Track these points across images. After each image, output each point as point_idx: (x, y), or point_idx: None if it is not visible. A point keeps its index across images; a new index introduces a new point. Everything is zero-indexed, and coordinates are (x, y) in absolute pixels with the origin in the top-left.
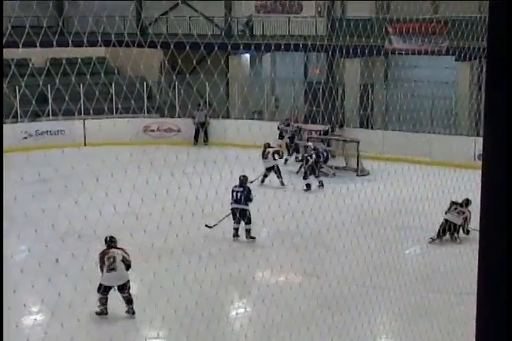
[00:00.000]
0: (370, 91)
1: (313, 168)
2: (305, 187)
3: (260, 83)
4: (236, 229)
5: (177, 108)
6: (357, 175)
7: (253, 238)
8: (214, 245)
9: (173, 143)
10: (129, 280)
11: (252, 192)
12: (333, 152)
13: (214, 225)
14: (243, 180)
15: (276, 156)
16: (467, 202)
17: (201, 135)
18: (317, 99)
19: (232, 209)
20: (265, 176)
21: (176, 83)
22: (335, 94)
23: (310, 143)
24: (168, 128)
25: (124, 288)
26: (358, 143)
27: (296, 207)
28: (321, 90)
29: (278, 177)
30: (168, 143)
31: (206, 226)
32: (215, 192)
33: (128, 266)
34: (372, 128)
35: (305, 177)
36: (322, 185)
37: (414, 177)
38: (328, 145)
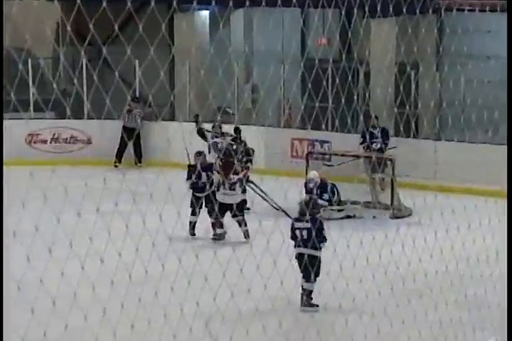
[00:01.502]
0: (411, 75)
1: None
2: None
3: (227, 62)
4: (309, 293)
5: (86, 104)
6: (392, 217)
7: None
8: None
9: (80, 162)
10: None
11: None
12: (381, 184)
13: None
14: (311, 204)
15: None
16: None
17: (129, 149)
18: (322, 88)
19: (297, 257)
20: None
21: (84, 61)
22: (352, 81)
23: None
24: (71, 138)
25: None
26: (393, 162)
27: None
28: (329, 73)
29: (240, 225)
30: (72, 163)
31: None
32: (152, 243)
33: None
34: (415, 136)
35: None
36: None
37: (485, 220)
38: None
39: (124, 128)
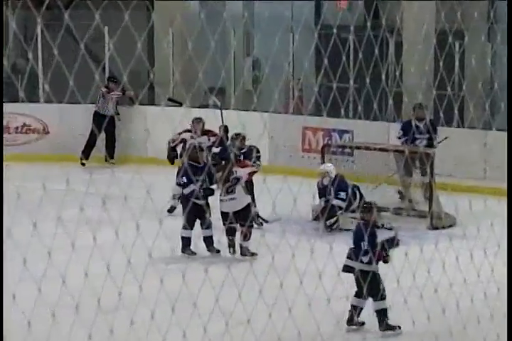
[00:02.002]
0: (454, 48)
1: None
2: None
3: (222, 30)
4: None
5: (41, 84)
6: (429, 227)
7: None
8: None
9: (34, 157)
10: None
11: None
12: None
13: None
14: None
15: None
16: None
17: (100, 143)
18: (342, 63)
19: (357, 276)
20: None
21: (40, 29)
22: (380, 54)
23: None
24: (24, 127)
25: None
26: (431, 158)
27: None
28: (350, 45)
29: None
30: (24, 159)
31: None
32: (127, 261)
33: None
34: (459, 125)
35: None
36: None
37: None
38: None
39: (98, 115)
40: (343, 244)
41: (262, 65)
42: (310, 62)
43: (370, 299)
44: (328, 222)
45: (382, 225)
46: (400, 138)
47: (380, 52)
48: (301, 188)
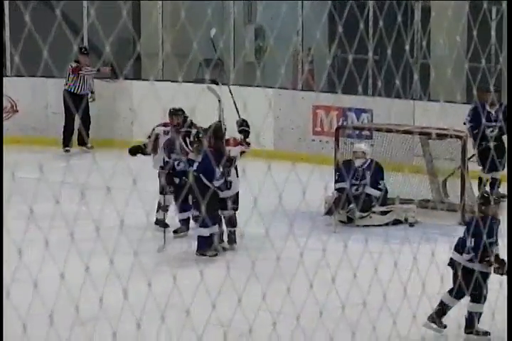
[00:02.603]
0: (489, 14)
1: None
2: None
3: None
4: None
5: (9, 54)
6: (461, 223)
7: None
8: None
9: (4, 140)
10: None
11: None
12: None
13: None
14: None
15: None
16: None
17: (77, 124)
18: (359, 32)
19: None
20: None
21: None
22: (404, 21)
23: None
24: None
25: None
26: (463, 142)
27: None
28: (369, 10)
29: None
30: None
31: None
32: (109, 261)
33: None
34: (494, 103)
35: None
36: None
37: None
38: None
39: (69, 94)
40: (358, 242)
41: (267, 33)
42: (322, 31)
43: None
44: (359, 215)
45: (406, 220)
46: (464, 123)
47: (404, 19)
48: (311, 177)
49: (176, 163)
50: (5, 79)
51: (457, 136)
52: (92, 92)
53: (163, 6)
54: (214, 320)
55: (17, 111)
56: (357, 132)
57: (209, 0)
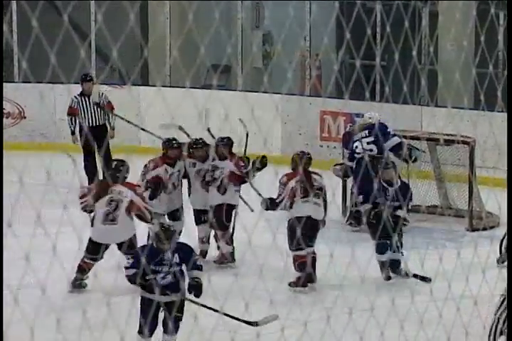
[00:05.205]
0: (497, 19)
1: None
2: None
3: None
4: None
5: (17, 61)
6: (469, 229)
7: None
8: None
9: (9, 146)
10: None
11: None
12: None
13: None
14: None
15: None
16: None
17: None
18: (367, 37)
19: None
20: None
21: None
22: (412, 26)
23: None
24: None
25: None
26: (471, 147)
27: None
28: (377, 15)
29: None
30: None
31: None
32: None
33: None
34: (503, 110)
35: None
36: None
37: None
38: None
39: (83, 128)
40: (366, 247)
41: (274, 39)
42: (330, 36)
43: None
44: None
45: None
46: None
47: (412, 24)
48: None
49: None
50: (12, 85)
51: (464, 142)
52: (112, 127)
53: (171, 12)
54: (221, 325)
55: (25, 118)
56: None
57: (216, 5)
